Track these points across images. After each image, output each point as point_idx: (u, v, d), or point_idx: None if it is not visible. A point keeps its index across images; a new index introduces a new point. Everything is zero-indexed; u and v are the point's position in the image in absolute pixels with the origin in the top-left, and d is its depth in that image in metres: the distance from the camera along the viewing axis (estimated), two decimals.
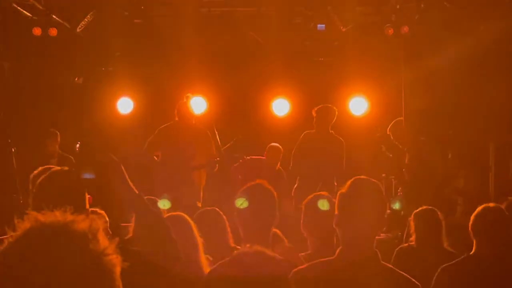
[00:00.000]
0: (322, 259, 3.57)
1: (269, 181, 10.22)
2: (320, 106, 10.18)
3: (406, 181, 10.42)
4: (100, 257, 1.53)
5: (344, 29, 11.22)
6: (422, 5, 10.56)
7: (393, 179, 11.16)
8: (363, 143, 11.15)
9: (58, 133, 10.62)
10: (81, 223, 1.55)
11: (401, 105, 11.85)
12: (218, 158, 9.74)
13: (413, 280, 3.51)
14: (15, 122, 11.20)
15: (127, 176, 3.52)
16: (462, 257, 4.86)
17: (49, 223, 1.54)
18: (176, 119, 9.75)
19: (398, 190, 10.71)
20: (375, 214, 3.46)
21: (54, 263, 1.48)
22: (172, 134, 9.61)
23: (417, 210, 6.19)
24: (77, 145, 10.97)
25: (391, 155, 11.16)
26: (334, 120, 10.10)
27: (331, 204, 4.75)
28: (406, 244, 6.27)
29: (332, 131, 10.12)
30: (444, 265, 4.80)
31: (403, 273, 3.51)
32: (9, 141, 10.32)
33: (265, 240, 4.00)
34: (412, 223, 6.15)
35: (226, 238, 5.29)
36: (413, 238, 6.12)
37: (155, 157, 9.71)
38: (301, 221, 5.07)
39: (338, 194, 3.54)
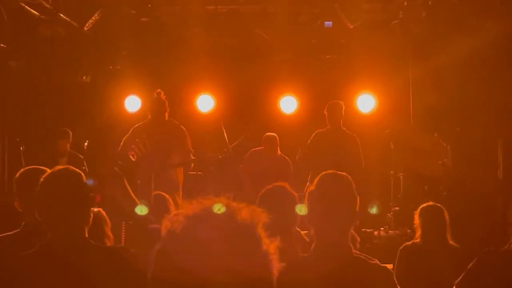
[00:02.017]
0: (297, 256, 3.57)
1: (273, 169, 10.22)
2: (328, 103, 10.15)
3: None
4: (264, 257, 1.59)
5: (351, 27, 11.21)
6: (430, 2, 10.54)
7: (401, 176, 11.16)
8: (371, 141, 11.13)
9: (71, 133, 10.64)
10: (245, 212, 1.64)
11: (409, 102, 11.87)
12: (194, 157, 9.43)
13: (387, 267, 3.51)
14: (23, 121, 11.24)
15: (129, 188, 3.56)
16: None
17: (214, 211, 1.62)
18: (149, 117, 9.40)
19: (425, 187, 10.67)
20: (346, 208, 3.43)
21: (217, 256, 1.54)
22: (146, 133, 9.04)
23: (422, 206, 6.16)
24: (85, 144, 11.02)
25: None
26: (343, 116, 10.05)
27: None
28: (410, 242, 6.24)
29: (344, 128, 10.08)
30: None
31: (377, 262, 3.49)
32: (18, 139, 10.36)
33: (286, 241, 4.00)
34: (417, 219, 6.11)
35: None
36: (417, 235, 6.09)
37: (131, 156, 9.35)
38: (306, 215, 5.07)
39: (307, 192, 3.51)
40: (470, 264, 4.40)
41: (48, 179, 3.48)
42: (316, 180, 3.50)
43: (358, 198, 3.45)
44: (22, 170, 4.32)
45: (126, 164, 9.10)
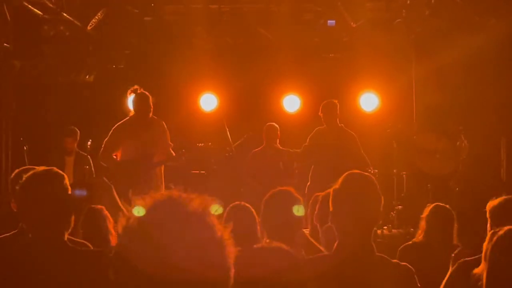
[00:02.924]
0: (319, 254, 3.58)
1: (276, 164, 10.19)
2: (322, 104, 10.10)
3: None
4: (220, 234, 1.60)
5: (354, 25, 11.21)
6: (433, 1, 10.54)
7: (404, 175, 11.17)
8: (374, 139, 11.13)
9: (78, 131, 10.63)
10: (195, 202, 1.64)
11: (412, 101, 11.87)
12: (183, 150, 9.02)
13: (408, 265, 3.51)
14: (26, 121, 11.25)
15: (117, 198, 3.58)
16: None
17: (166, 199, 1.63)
18: (131, 114, 9.01)
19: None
20: (370, 208, 3.44)
21: (170, 249, 1.54)
22: (128, 131, 8.82)
23: (431, 206, 6.14)
24: (88, 143, 11.03)
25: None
26: (339, 113, 9.97)
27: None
28: (410, 242, 6.22)
29: (342, 125, 10.02)
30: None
31: (398, 261, 3.52)
32: (21, 139, 10.37)
33: (291, 244, 4.02)
34: (424, 220, 6.09)
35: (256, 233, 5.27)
36: (419, 235, 6.07)
37: (114, 157, 8.94)
38: (315, 212, 5.09)
39: (331, 190, 3.53)
40: (447, 276, 4.42)
41: (29, 179, 3.43)
42: (340, 179, 3.51)
43: (382, 198, 3.47)
44: (17, 170, 4.32)
45: (110, 166, 8.87)
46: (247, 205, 5.41)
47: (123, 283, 1.59)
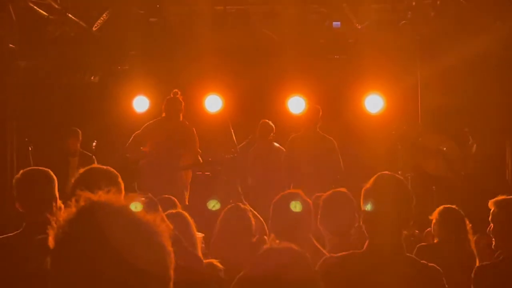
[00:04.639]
0: (351, 251, 3.58)
1: (267, 157, 10.21)
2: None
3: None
4: (157, 235, 1.59)
5: (359, 27, 11.21)
6: (438, 2, 10.53)
7: (409, 177, 11.14)
8: (379, 141, 11.11)
9: (80, 132, 10.65)
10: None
11: (417, 102, 11.83)
12: (201, 161, 9.46)
13: (436, 266, 3.52)
14: (32, 121, 11.26)
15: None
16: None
17: (105, 202, 1.60)
18: (163, 115, 9.45)
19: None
20: (401, 208, 3.45)
21: (116, 240, 1.53)
22: (159, 131, 9.25)
23: (441, 208, 6.11)
24: (93, 144, 11.04)
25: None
26: (319, 120, 9.96)
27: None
28: (425, 243, 6.21)
29: (320, 131, 9.96)
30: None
31: (426, 262, 3.53)
32: (26, 139, 10.38)
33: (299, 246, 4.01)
34: (435, 221, 6.06)
35: (251, 234, 5.28)
36: (434, 236, 6.06)
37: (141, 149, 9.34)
38: (318, 217, 5.08)
39: (362, 190, 3.54)
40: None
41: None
42: (372, 179, 3.54)
43: (414, 199, 3.47)
44: (22, 171, 4.34)
45: (135, 157, 9.23)
46: (244, 206, 5.43)
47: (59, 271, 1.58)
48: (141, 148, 9.22)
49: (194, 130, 9.46)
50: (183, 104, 9.46)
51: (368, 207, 3.49)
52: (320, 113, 9.98)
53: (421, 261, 3.52)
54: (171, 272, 1.61)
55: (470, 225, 5.93)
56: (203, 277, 4.08)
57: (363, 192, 3.53)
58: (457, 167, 10.71)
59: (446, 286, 3.49)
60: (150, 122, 9.47)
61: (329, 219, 5.01)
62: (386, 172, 3.58)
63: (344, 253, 3.62)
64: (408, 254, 3.51)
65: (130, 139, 9.34)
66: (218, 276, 4.30)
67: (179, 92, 9.52)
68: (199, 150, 9.44)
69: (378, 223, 3.44)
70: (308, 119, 10.03)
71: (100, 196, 1.61)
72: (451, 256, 5.60)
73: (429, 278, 3.47)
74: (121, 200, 1.63)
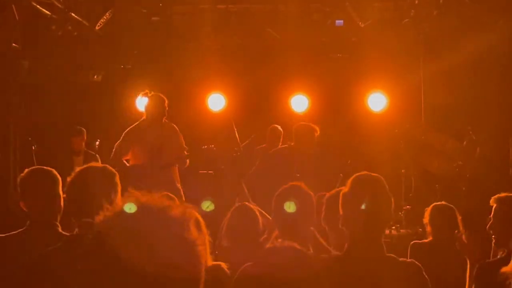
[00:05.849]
0: (331, 254, 3.57)
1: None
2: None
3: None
4: (193, 246, 1.60)
5: (362, 25, 11.19)
6: (441, 0, 10.51)
7: (412, 175, 11.14)
8: (382, 139, 11.11)
9: (85, 131, 10.65)
10: (177, 210, 1.63)
11: (420, 100, 11.83)
12: (187, 153, 8.89)
13: (416, 262, 3.52)
14: (35, 121, 11.28)
15: None
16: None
17: (149, 204, 1.62)
18: (144, 117, 8.92)
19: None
20: (380, 209, 3.44)
21: (150, 243, 1.55)
22: (138, 135, 8.77)
23: (433, 205, 6.12)
24: (96, 143, 11.05)
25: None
26: (280, 140, 10.12)
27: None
28: (419, 241, 6.21)
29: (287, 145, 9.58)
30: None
31: (405, 259, 3.53)
32: (30, 139, 10.40)
33: (302, 240, 4.00)
34: (427, 218, 6.07)
35: (258, 233, 5.28)
36: (428, 234, 6.06)
37: (124, 161, 8.86)
38: (322, 215, 5.08)
39: (341, 194, 3.51)
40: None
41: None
42: (349, 181, 3.51)
43: (392, 199, 3.45)
44: (26, 170, 4.35)
45: (121, 169, 8.76)
46: (251, 206, 5.41)
47: (96, 267, 1.60)
48: (123, 158, 8.79)
49: (175, 126, 9.00)
50: (166, 102, 8.85)
51: (347, 210, 3.47)
52: (281, 134, 10.38)
53: (400, 259, 3.49)
54: (202, 271, 1.64)
55: (460, 217, 5.93)
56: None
57: (341, 196, 3.51)
58: (460, 166, 10.69)
59: (428, 279, 3.48)
60: (129, 128, 8.93)
61: (333, 218, 5.00)
62: (364, 172, 3.55)
63: (324, 255, 3.62)
64: (388, 254, 3.47)
65: (113, 152, 8.85)
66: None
67: (149, 92, 8.97)
68: (184, 146, 8.97)
69: (357, 226, 3.42)
70: (271, 137, 10.44)
71: (143, 196, 1.64)
72: (444, 252, 5.61)
73: (409, 275, 3.46)
74: (162, 201, 1.64)
